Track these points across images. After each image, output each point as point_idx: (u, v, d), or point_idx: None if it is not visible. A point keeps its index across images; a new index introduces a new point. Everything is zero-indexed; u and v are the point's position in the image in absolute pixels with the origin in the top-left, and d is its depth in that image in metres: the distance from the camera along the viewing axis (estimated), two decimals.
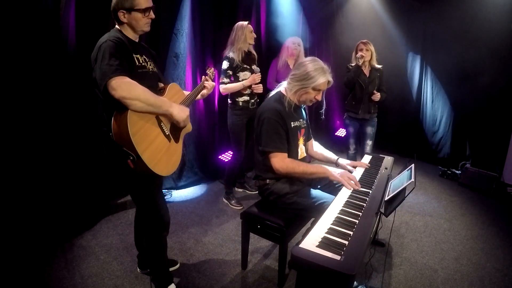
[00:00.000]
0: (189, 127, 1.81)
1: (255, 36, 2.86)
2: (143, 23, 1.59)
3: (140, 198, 1.69)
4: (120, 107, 1.41)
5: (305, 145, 2.09)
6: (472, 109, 4.36)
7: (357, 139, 3.51)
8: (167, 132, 1.63)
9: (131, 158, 1.40)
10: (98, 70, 1.41)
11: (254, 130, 3.04)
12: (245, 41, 2.79)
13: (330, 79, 1.86)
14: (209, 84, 1.99)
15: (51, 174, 2.22)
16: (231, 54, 2.80)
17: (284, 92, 1.95)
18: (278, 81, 3.22)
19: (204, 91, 1.99)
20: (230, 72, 2.81)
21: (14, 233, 1.98)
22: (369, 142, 3.37)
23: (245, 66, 2.85)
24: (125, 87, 1.38)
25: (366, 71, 3.28)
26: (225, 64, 2.81)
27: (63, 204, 2.31)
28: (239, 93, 2.86)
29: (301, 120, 2.02)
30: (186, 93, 1.89)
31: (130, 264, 2.12)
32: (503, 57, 4.03)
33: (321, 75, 1.81)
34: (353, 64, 3.25)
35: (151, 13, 1.60)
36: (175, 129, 1.71)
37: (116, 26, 1.60)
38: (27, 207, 2.09)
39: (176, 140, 1.70)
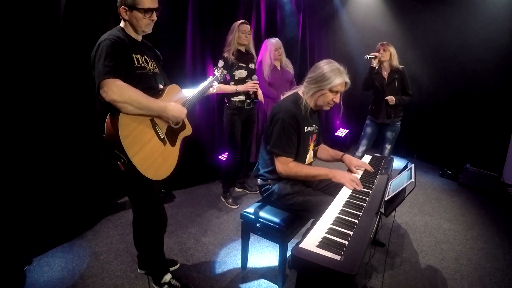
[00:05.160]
0: (188, 130, 1.78)
1: (247, 36, 2.84)
2: (144, 23, 1.55)
3: (138, 199, 1.68)
4: (114, 109, 1.39)
5: (314, 150, 2.08)
6: (472, 109, 4.37)
7: (372, 143, 3.42)
8: (162, 136, 1.59)
9: (122, 160, 1.38)
10: (95, 69, 1.40)
11: (251, 130, 3.09)
12: (237, 41, 2.82)
13: (347, 80, 1.82)
14: (213, 90, 2.00)
15: (51, 174, 2.22)
16: (225, 54, 2.84)
17: (301, 94, 1.92)
18: (271, 85, 3.21)
19: (211, 91, 1.98)
20: (225, 71, 2.82)
21: (14, 233, 1.98)
22: (388, 146, 3.31)
23: (240, 64, 2.86)
24: (116, 90, 1.36)
25: (385, 74, 3.17)
26: (219, 63, 2.84)
27: (63, 204, 2.31)
28: (234, 93, 2.87)
29: (314, 125, 2.00)
30: (190, 92, 1.85)
31: (130, 264, 2.12)
32: (503, 56, 4.04)
33: (337, 76, 1.78)
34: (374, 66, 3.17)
35: (153, 15, 1.56)
36: (172, 132, 1.67)
37: (120, 24, 1.58)
38: (27, 207, 2.09)
39: (172, 144, 1.66)
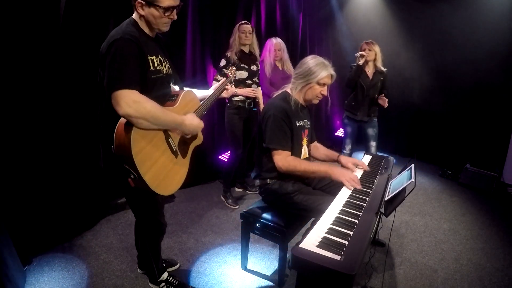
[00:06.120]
0: (199, 139, 1.70)
1: (248, 35, 2.84)
2: (162, 22, 1.40)
3: (140, 209, 1.63)
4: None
5: (308, 146, 2.10)
6: (472, 109, 4.37)
7: (355, 140, 3.47)
8: (175, 148, 1.49)
9: (132, 176, 1.28)
10: (107, 74, 1.27)
11: (252, 130, 3.09)
12: (238, 42, 2.84)
13: (333, 72, 1.89)
14: (228, 92, 1.96)
15: (51, 174, 2.22)
16: (228, 54, 2.86)
17: (289, 91, 1.98)
18: (272, 84, 3.21)
19: (224, 94, 1.95)
20: (226, 71, 2.81)
21: (14, 233, 1.98)
22: (373, 143, 3.33)
23: (242, 65, 2.86)
24: (132, 104, 1.22)
25: (370, 73, 3.21)
26: (222, 62, 2.86)
27: (63, 204, 2.31)
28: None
29: (305, 120, 2.03)
30: (201, 92, 1.82)
31: (130, 264, 2.12)
32: (503, 56, 4.04)
33: (323, 69, 1.85)
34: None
35: (173, 13, 1.40)
36: (184, 142, 1.59)
37: (133, 15, 1.42)
38: (27, 207, 2.09)
39: (184, 155, 1.58)
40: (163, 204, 2.00)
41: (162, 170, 1.40)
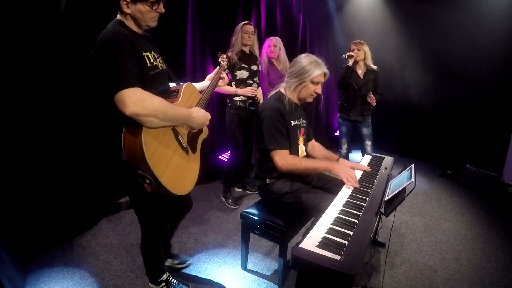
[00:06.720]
0: (205, 132, 1.68)
1: (250, 36, 2.85)
2: (150, 17, 1.36)
3: (147, 214, 1.59)
4: (130, 121, 1.21)
5: (305, 145, 2.10)
6: (472, 109, 4.37)
7: (351, 139, 3.47)
8: (185, 145, 1.47)
9: (148, 181, 1.24)
10: (106, 76, 1.22)
11: (253, 130, 3.08)
12: (240, 42, 2.84)
13: (326, 70, 1.90)
14: (224, 80, 1.92)
15: (51, 174, 2.22)
16: (229, 54, 2.85)
17: (283, 91, 1.98)
18: (271, 84, 3.20)
19: (221, 83, 1.90)
20: (227, 71, 2.81)
21: (14, 232, 1.98)
22: (368, 143, 3.34)
23: (242, 65, 2.87)
24: (139, 103, 1.18)
25: (361, 73, 3.21)
26: None
27: (63, 204, 2.31)
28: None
29: (301, 119, 2.04)
30: (201, 84, 1.81)
31: (130, 264, 2.12)
32: (503, 56, 4.04)
33: (316, 67, 1.85)
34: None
35: (161, 6, 1.37)
36: (192, 138, 1.58)
37: (117, 16, 1.38)
38: (27, 207, 2.09)
39: (194, 150, 1.56)
40: (188, 202, 1.94)
41: (177, 169, 1.38)
